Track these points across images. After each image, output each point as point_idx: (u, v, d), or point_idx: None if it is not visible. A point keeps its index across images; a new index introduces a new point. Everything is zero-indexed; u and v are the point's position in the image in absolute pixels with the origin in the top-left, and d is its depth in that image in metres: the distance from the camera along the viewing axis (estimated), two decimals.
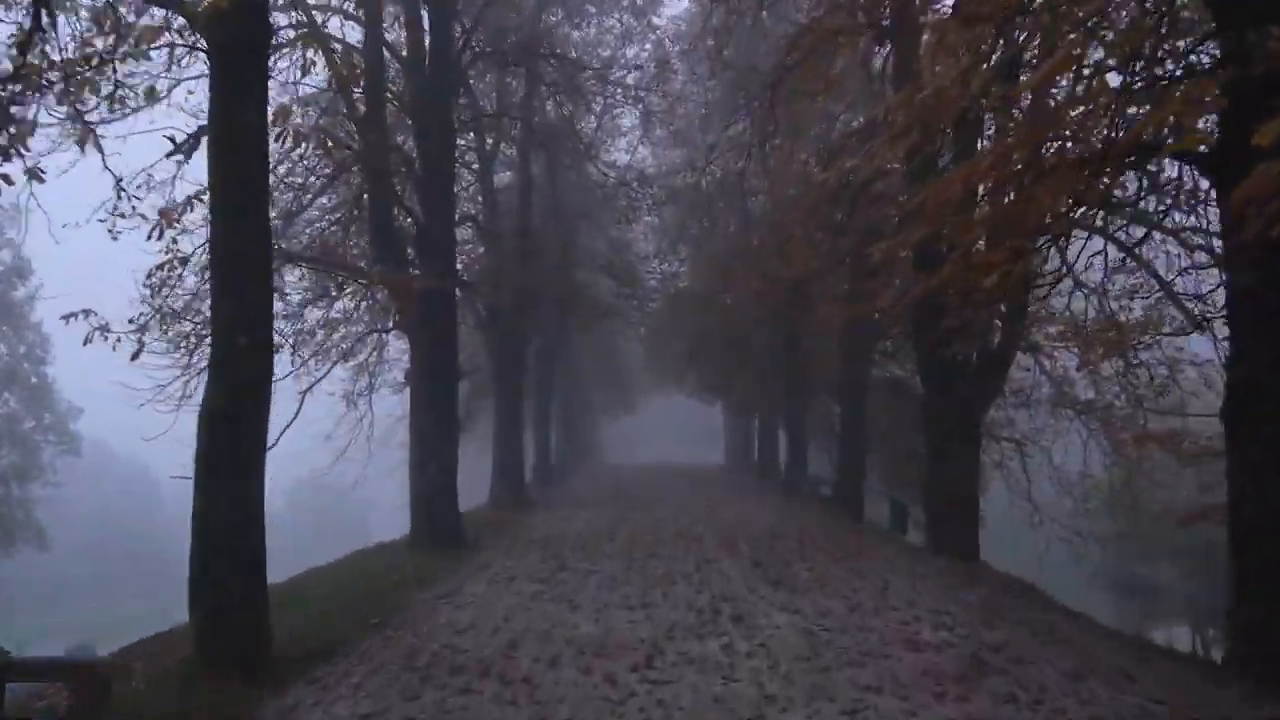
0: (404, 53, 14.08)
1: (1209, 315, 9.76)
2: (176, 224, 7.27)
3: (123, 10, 5.78)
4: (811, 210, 13.82)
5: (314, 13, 12.22)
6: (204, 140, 7.53)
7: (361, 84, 12.12)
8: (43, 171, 5.39)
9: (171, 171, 10.21)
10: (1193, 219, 9.13)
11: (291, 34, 10.79)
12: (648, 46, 20.62)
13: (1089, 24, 6.16)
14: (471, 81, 17.61)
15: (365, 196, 13.27)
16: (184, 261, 8.53)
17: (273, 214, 12.70)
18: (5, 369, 38.72)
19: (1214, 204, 8.61)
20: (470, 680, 6.19)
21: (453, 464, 13.47)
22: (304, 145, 9.45)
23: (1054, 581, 12.73)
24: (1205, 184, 8.53)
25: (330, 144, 10.67)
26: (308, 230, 14.25)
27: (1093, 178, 5.47)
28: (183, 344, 11.14)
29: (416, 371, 13.34)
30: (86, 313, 7.83)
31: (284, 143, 7.72)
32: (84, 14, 5.34)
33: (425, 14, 13.77)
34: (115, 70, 5.06)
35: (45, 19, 4.67)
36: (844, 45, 11.23)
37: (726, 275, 19.21)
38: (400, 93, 14.20)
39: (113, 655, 7.36)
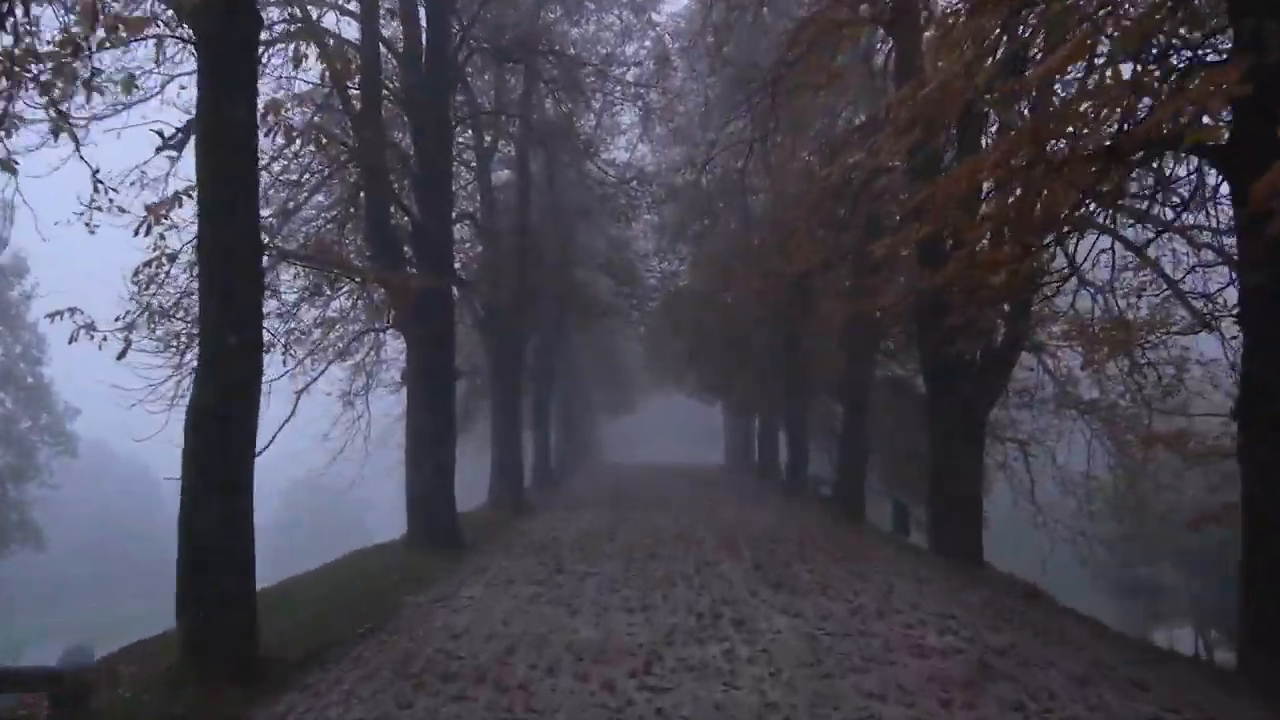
0: (400, 48, 13.93)
1: (1217, 314, 9.64)
2: (164, 220, 7.12)
3: None
4: (813, 207, 13.69)
5: (309, 7, 12.08)
6: (195, 135, 7.35)
7: (357, 79, 11.96)
8: (17, 163, 5.24)
9: (165, 169, 10.12)
10: (1201, 217, 8.98)
11: (285, 29, 10.62)
12: (647, 43, 20.49)
13: (1099, 15, 6.03)
14: (469, 78, 17.46)
15: (361, 194, 13.13)
16: (172, 258, 8.38)
17: (268, 212, 12.66)
18: (1, 369, 38.61)
19: (1222, 201, 8.51)
20: (465, 687, 6.05)
21: (450, 464, 13.34)
22: (297, 142, 9.29)
23: (1057, 582, 12.62)
24: (1213, 182, 8.43)
25: (325, 140, 10.49)
26: (304, 228, 14.09)
27: (1106, 172, 5.31)
28: (173, 343, 11.00)
29: (413, 371, 13.21)
30: (72, 311, 7.68)
31: (274, 138, 7.57)
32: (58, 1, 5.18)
33: (422, 9, 13.62)
34: (90, 56, 4.90)
35: (19, 6, 4.52)
36: (846, 38, 11.08)
37: (727, 273, 19.09)
38: (396, 89, 14.05)
39: (108, 658, 7.24)
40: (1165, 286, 10.28)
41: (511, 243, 19.13)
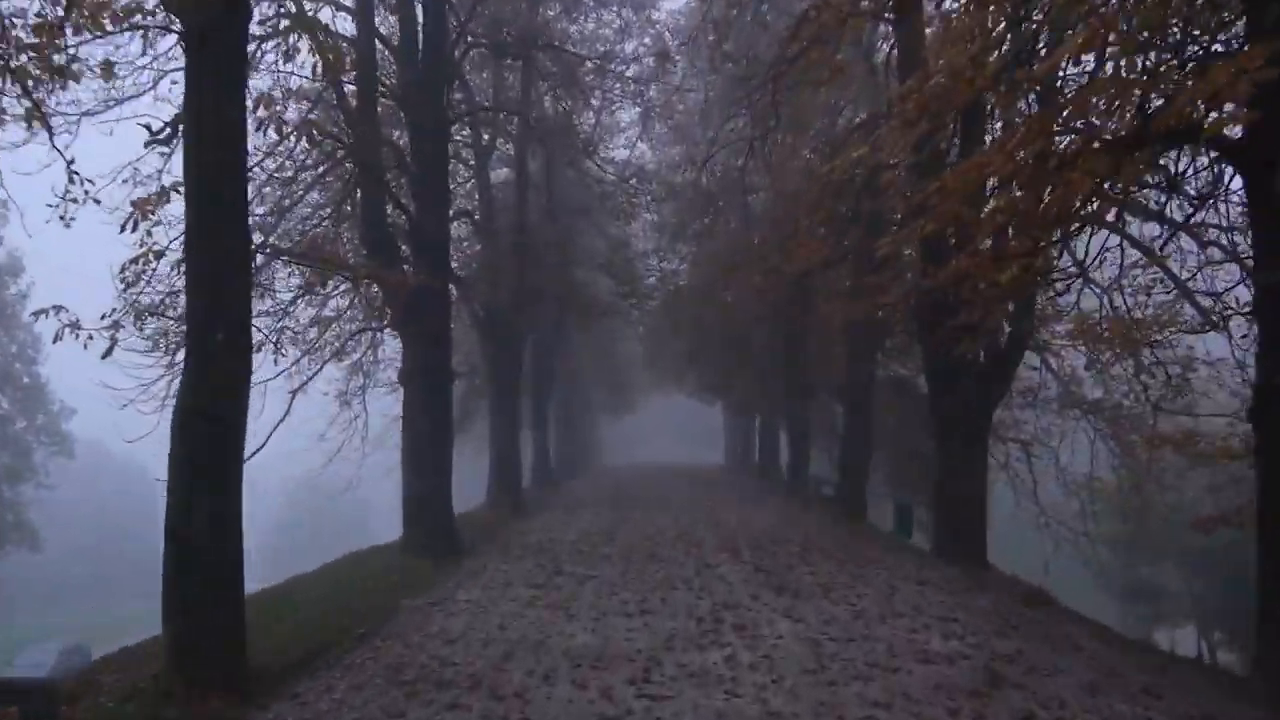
0: (396, 43, 13.76)
1: (1225, 313, 9.47)
2: (151, 215, 6.94)
3: None
4: (814, 205, 13.52)
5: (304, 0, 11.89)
6: (182, 129, 7.17)
7: (352, 75, 11.78)
8: None
9: (158, 165, 9.93)
10: (1211, 214, 8.81)
11: (277, 23, 10.44)
12: (646, 40, 20.29)
13: (1105, 7, 5.88)
14: (467, 75, 17.29)
15: (357, 192, 12.95)
16: (159, 255, 8.20)
17: (262, 209, 12.50)
18: None
19: (1233, 199, 8.34)
20: (459, 695, 5.89)
21: (446, 465, 13.17)
22: (290, 138, 9.11)
23: (1059, 583, 12.45)
24: (1225, 180, 8.25)
25: (319, 136, 10.31)
26: (300, 226, 13.91)
27: (1120, 164, 5.15)
28: (163, 341, 10.82)
29: (410, 371, 13.04)
30: (58, 309, 7.51)
31: (266, 133, 7.40)
32: None
33: (419, 4, 13.46)
34: (65, 40, 4.73)
35: None
36: (849, 30, 10.90)
37: (727, 272, 18.90)
38: (393, 85, 13.88)
39: (100, 661, 7.10)
40: (1172, 285, 10.12)
41: (510, 241, 18.95)
